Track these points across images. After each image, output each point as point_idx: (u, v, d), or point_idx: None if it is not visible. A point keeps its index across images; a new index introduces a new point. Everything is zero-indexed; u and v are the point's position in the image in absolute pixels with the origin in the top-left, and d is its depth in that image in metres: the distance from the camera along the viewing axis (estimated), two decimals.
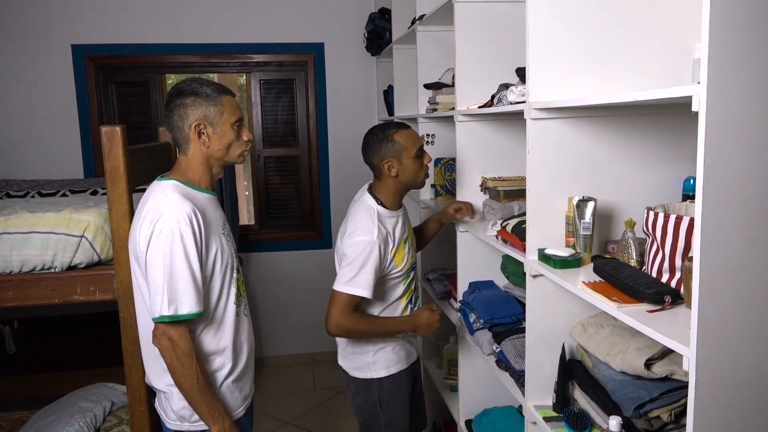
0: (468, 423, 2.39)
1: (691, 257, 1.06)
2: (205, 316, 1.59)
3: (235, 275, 1.69)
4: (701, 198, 0.95)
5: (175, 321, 1.50)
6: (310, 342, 4.24)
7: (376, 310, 2.03)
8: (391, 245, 1.96)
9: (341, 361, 2.14)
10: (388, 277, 2.00)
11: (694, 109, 0.94)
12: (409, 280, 2.08)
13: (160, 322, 1.50)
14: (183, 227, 1.49)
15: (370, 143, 2.00)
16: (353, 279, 1.87)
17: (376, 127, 2.04)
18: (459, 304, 2.37)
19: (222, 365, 1.65)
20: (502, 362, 1.96)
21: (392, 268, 1.98)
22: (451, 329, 2.71)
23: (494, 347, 2.02)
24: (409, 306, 2.10)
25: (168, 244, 1.48)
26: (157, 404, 1.73)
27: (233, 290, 1.67)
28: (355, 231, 1.92)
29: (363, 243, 1.89)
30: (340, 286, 1.89)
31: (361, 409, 2.11)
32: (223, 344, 1.65)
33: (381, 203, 1.99)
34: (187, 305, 1.50)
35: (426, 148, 2.93)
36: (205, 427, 1.60)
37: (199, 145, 1.61)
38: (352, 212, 2.02)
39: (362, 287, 1.88)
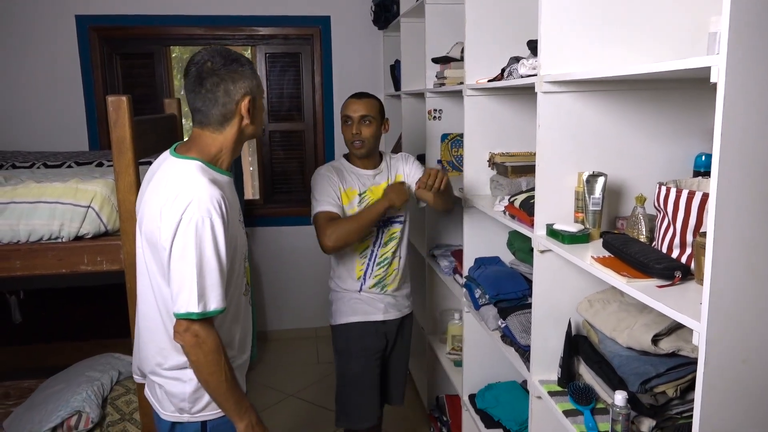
0: (471, 397, 2.41)
1: (703, 233, 1.05)
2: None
3: (246, 264, 1.63)
4: (717, 172, 0.94)
5: (201, 318, 1.40)
6: (314, 317, 4.26)
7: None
8: (338, 182, 2.20)
9: (327, 316, 2.39)
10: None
11: (712, 80, 0.92)
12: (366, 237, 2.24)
13: (186, 319, 1.40)
14: (214, 217, 1.38)
15: None
16: (315, 201, 2.17)
17: None
18: (464, 280, 2.37)
19: (230, 355, 1.55)
20: (508, 337, 1.96)
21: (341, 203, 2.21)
22: (456, 305, 2.72)
23: (499, 323, 2.03)
24: (366, 262, 2.25)
25: (198, 235, 1.37)
26: (148, 394, 1.63)
27: (244, 281, 1.61)
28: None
29: (313, 176, 2.25)
30: (312, 213, 2.17)
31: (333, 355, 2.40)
32: (232, 334, 1.57)
33: (346, 158, 2.32)
34: (215, 301, 1.41)
35: (432, 123, 2.93)
36: (206, 418, 1.53)
37: (241, 121, 1.49)
38: None
39: (322, 204, 2.14)
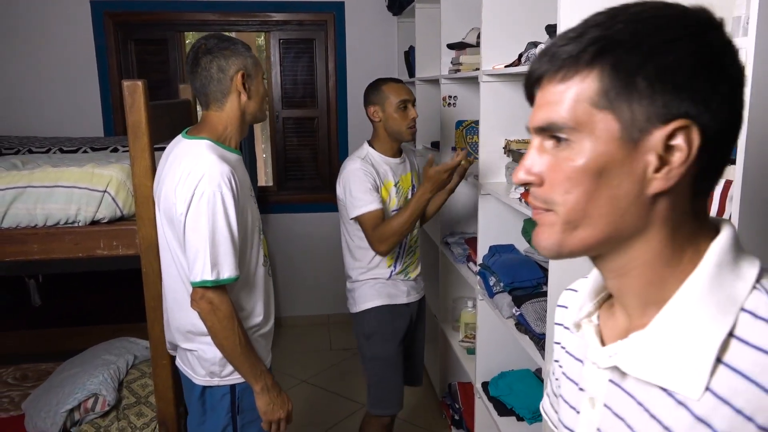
0: (484, 385, 2.41)
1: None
2: (240, 279, 1.59)
3: (261, 237, 1.71)
4: (742, 158, 0.92)
5: (215, 285, 1.51)
6: (327, 303, 4.28)
7: (359, 245, 2.21)
8: (376, 176, 2.14)
9: (349, 306, 2.33)
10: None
11: None
12: None
13: (201, 287, 1.50)
14: (224, 190, 1.49)
15: (365, 91, 2.25)
16: (358, 200, 2.09)
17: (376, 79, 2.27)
18: (479, 268, 2.36)
19: (254, 324, 1.67)
20: (522, 325, 1.96)
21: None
22: (469, 293, 2.71)
23: (514, 310, 2.02)
24: (398, 251, 2.23)
25: (210, 207, 1.48)
26: (179, 362, 1.74)
27: (261, 252, 1.69)
28: (344, 167, 2.19)
29: (348, 171, 2.15)
30: (353, 212, 2.10)
31: (358, 342, 2.33)
32: (253, 303, 1.67)
33: (372, 147, 2.24)
34: (228, 270, 1.51)
35: (447, 110, 2.90)
36: (234, 382, 1.63)
37: (239, 98, 1.60)
38: None
39: (368, 204, 2.07)
